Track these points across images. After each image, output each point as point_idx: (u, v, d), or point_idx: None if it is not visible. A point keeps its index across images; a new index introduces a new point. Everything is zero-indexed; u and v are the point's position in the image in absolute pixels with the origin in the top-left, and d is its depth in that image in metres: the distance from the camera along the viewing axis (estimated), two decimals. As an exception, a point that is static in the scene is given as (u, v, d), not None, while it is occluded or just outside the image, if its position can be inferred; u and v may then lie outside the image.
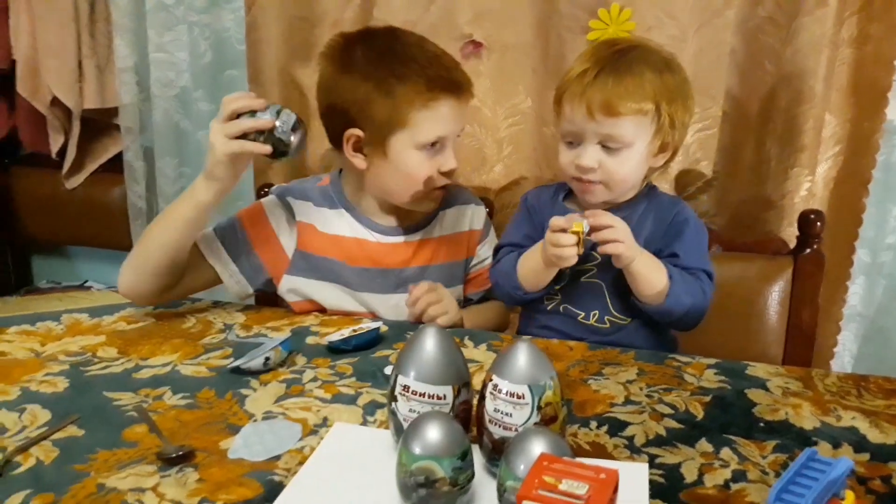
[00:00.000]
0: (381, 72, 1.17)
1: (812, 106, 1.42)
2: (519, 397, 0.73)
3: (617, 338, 1.17)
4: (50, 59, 1.95)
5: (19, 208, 2.23)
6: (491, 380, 0.75)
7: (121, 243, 2.16)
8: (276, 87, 1.74)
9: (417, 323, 1.20)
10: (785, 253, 1.43)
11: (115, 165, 2.12)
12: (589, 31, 1.53)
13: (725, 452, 0.82)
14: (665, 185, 1.61)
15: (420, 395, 0.76)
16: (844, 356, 1.66)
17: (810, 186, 1.48)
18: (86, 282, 2.27)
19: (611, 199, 1.18)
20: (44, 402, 0.92)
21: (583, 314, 1.19)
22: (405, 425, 0.76)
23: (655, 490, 0.75)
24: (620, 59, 1.12)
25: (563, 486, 0.58)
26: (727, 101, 1.52)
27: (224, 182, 1.14)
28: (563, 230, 1.06)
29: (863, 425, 0.87)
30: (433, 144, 1.20)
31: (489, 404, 0.75)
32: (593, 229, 1.06)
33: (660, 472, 0.78)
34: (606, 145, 1.12)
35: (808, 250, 1.39)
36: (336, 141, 1.24)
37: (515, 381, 0.73)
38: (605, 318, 1.18)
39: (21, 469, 0.78)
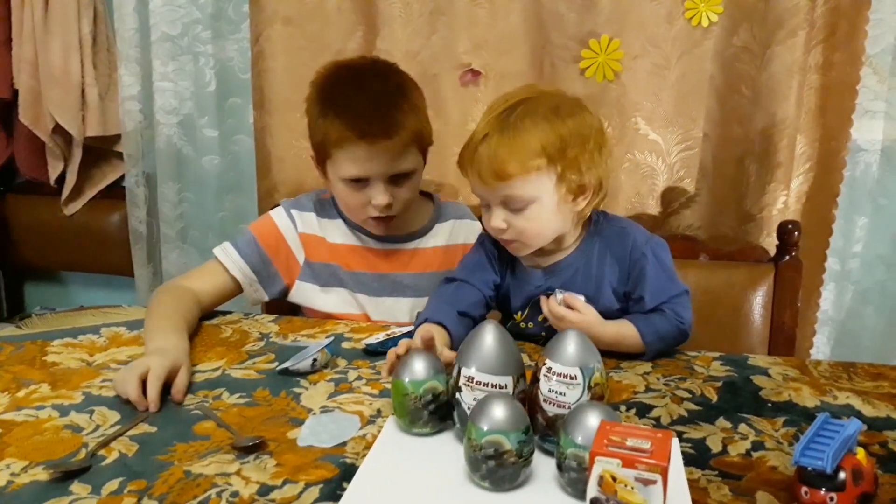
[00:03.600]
0: (320, 104, 1.28)
1: (785, 126, 1.57)
2: (571, 378, 0.82)
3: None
4: (53, 87, 1.99)
5: (14, 235, 2.26)
6: (544, 363, 0.84)
7: (118, 267, 2.20)
8: (280, 113, 1.82)
9: None
10: (766, 261, 1.57)
11: (113, 191, 2.17)
12: (580, 61, 1.66)
13: (742, 428, 0.92)
14: (651, 202, 1.74)
15: (483, 385, 0.84)
16: (819, 358, 1.79)
17: (785, 200, 1.62)
18: (80, 307, 2.29)
19: (538, 247, 1.16)
20: (109, 405, 0.97)
21: None
22: (469, 413, 0.85)
23: (687, 459, 0.85)
24: (506, 118, 1.08)
25: (629, 443, 0.67)
26: (707, 122, 1.66)
27: None
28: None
29: (857, 402, 0.99)
30: (359, 180, 1.27)
31: (543, 385, 0.84)
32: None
33: (688, 444, 0.88)
34: (509, 206, 1.11)
35: (787, 258, 1.53)
36: None
37: (567, 364, 0.82)
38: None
39: (108, 461, 0.84)
